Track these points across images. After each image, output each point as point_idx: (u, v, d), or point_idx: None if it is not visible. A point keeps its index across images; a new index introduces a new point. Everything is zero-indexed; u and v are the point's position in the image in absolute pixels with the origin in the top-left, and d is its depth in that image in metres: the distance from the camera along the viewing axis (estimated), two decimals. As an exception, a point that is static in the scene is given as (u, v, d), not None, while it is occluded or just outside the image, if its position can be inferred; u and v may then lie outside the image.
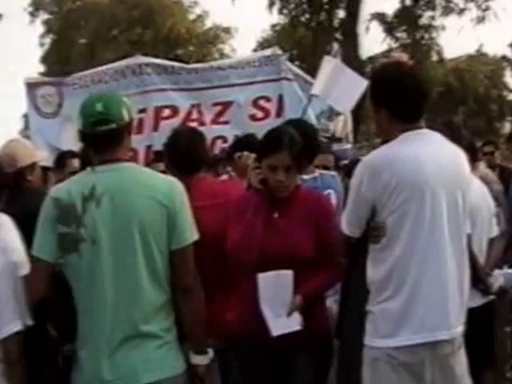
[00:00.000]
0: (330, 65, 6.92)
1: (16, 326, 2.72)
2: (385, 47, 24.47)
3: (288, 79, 7.48)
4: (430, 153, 2.84)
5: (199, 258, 2.95)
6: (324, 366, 3.33)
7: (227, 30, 34.78)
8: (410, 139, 2.83)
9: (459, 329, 2.85)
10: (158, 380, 2.77)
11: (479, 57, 30.04)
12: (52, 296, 2.86)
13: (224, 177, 5.62)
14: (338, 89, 6.58)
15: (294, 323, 3.14)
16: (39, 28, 38.44)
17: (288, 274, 3.15)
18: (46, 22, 38.18)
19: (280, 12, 21.77)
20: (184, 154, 3.68)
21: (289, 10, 21.50)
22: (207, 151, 4.13)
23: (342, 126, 8.70)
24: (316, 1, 20.66)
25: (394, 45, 23.39)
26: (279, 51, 8.04)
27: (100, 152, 2.86)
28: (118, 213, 2.76)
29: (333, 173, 4.57)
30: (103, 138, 2.81)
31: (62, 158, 5.44)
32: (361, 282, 2.93)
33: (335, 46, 8.12)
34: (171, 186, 2.92)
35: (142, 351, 2.77)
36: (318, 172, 4.08)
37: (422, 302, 2.75)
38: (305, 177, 3.84)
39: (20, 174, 3.98)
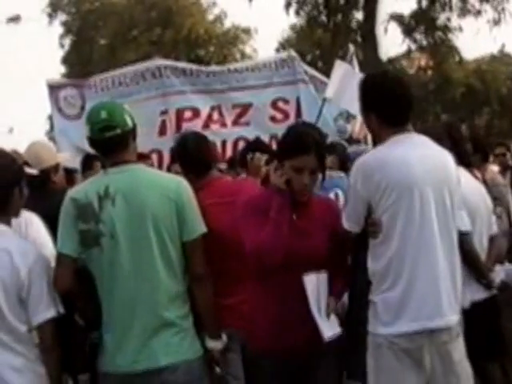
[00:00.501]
0: (341, 69, 7.13)
1: (50, 313, 2.98)
2: (404, 48, 24.63)
3: (304, 81, 7.68)
4: (417, 155, 3.06)
5: (210, 252, 3.24)
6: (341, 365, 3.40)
7: (247, 31, 34.54)
8: (398, 142, 3.06)
9: (454, 317, 3.07)
10: (175, 363, 3.04)
11: (502, 57, 29.87)
12: (78, 289, 3.13)
13: (243, 176, 5.85)
14: (349, 92, 6.64)
15: (336, 325, 3.17)
16: (58, 29, 38.58)
17: (325, 276, 3.15)
18: (64, 23, 38.17)
19: (297, 13, 21.82)
20: (193, 159, 3.91)
21: (305, 12, 21.57)
22: (214, 153, 4.37)
23: (360, 127, 8.84)
24: (332, 2, 20.69)
25: (413, 46, 23.51)
26: (294, 53, 8.21)
27: (109, 156, 3.15)
28: (131, 209, 3.04)
29: (341, 174, 4.78)
30: (110, 143, 3.10)
31: (88, 160, 5.71)
32: (364, 274, 3.17)
33: (351, 48, 8.21)
34: (178, 183, 3.20)
35: (160, 337, 3.05)
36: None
37: (416, 293, 2.97)
38: None
39: (45, 175, 4.24)
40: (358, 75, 6.93)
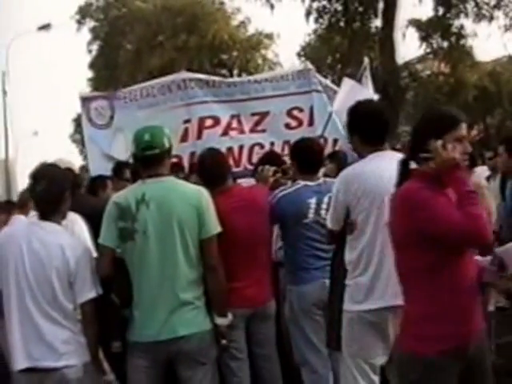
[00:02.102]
0: (348, 85, 7.63)
1: (92, 294, 3.73)
2: (420, 52, 25.04)
3: (318, 91, 8.03)
4: (389, 168, 3.68)
5: (223, 245, 4.02)
6: None
7: (269, 36, 34.65)
8: (375, 158, 3.82)
9: None
10: (190, 333, 3.83)
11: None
12: (115, 274, 3.91)
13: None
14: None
15: None
16: (86, 35, 39.06)
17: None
18: (92, 30, 38.61)
19: (316, 21, 22.26)
20: (210, 174, 4.65)
21: (324, 20, 21.96)
22: (229, 167, 5.06)
23: None
24: (351, 10, 21.14)
25: (429, 50, 23.93)
26: (310, 65, 8.62)
27: (148, 169, 3.95)
28: (161, 212, 3.83)
29: (335, 180, 5.51)
30: (149, 160, 3.92)
31: (119, 167, 6.32)
32: (342, 262, 3.93)
33: (365, 60, 8.49)
34: (199, 192, 4.01)
35: (179, 313, 3.83)
36: (322, 179, 4.93)
37: (382, 278, 3.72)
38: (311, 183, 4.81)
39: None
40: (362, 91, 7.43)
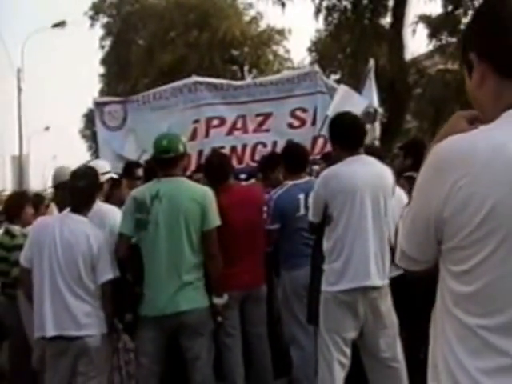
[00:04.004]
0: (342, 91, 8.19)
1: (110, 275, 4.55)
2: (428, 49, 25.55)
3: (322, 92, 8.61)
4: (362, 169, 4.50)
5: (223, 236, 4.80)
6: None
7: (281, 32, 35.13)
8: (351, 161, 4.55)
9: (380, 281, 4.51)
10: (191, 308, 4.64)
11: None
12: (131, 258, 4.72)
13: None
14: (345, 109, 7.76)
15: None
16: (99, 31, 39.81)
17: None
18: (105, 25, 39.37)
19: (325, 19, 22.82)
20: (215, 173, 5.46)
21: (334, 18, 22.51)
22: (231, 168, 5.85)
23: (368, 133, 9.92)
24: (360, 8, 21.68)
25: (437, 47, 24.38)
26: (317, 68, 9.21)
27: (164, 169, 4.77)
28: (171, 207, 4.65)
29: None
30: (166, 162, 4.75)
31: (129, 167, 6.82)
32: (321, 250, 4.70)
33: (371, 61, 8.83)
34: (204, 192, 4.83)
35: (182, 291, 4.63)
36: (307, 178, 5.77)
37: (353, 263, 4.45)
38: (298, 181, 5.62)
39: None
40: (355, 97, 8.10)
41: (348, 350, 4.61)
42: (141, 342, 4.78)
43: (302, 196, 5.54)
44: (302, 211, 5.50)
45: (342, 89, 8.40)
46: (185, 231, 4.66)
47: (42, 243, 4.55)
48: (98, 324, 4.55)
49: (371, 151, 5.05)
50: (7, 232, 5.77)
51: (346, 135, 4.70)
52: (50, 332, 4.47)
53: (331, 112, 7.99)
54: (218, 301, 4.85)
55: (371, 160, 4.70)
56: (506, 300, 1.55)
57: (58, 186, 5.85)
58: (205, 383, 4.80)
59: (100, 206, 5.02)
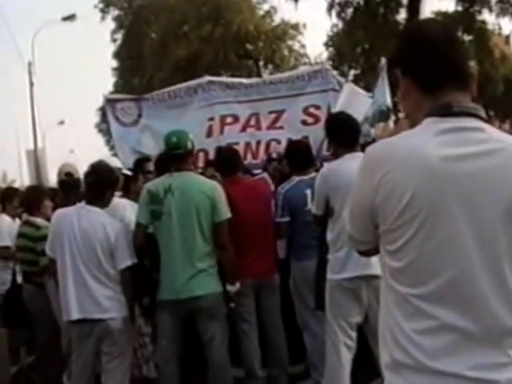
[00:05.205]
0: (348, 88, 8.46)
1: (128, 262, 4.96)
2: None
3: (335, 89, 8.78)
4: (357, 166, 4.93)
5: (234, 227, 5.22)
6: None
7: (295, 27, 35.20)
8: (347, 158, 4.93)
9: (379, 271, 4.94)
10: (205, 293, 5.05)
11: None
12: (148, 246, 5.14)
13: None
14: (352, 108, 7.45)
15: None
16: (110, 24, 40.06)
17: None
18: (116, 18, 39.62)
19: (338, 15, 23.17)
20: (226, 166, 5.89)
21: (347, 14, 22.82)
22: (241, 162, 6.27)
23: (382, 130, 10.10)
24: (373, 4, 22.04)
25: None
26: (328, 66, 9.52)
27: (174, 164, 5.19)
28: (183, 199, 5.06)
29: None
30: (176, 157, 5.17)
31: (140, 162, 7.02)
32: (325, 241, 5.10)
33: (382, 60, 8.78)
34: (214, 186, 5.24)
35: (196, 277, 5.04)
36: (313, 174, 5.94)
37: (355, 254, 4.79)
38: (304, 177, 5.98)
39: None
40: (360, 96, 8.34)
41: (354, 334, 4.99)
42: (159, 324, 5.21)
43: (308, 191, 5.86)
44: (310, 205, 5.82)
45: (348, 87, 8.64)
46: (196, 222, 5.07)
47: (62, 233, 4.98)
48: (120, 307, 4.96)
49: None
50: (31, 224, 6.16)
51: (341, 134, 5.10)
52: (75, 315, 4.90)
53: (337, 110, 8.35)
54: (230, 288, 5.25)
55: None
56: (427, 273, 1.93)
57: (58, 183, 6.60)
58: (220, 362, 5.21)
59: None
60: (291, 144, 6.69)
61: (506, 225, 1.92)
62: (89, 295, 4.89)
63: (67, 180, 6.66)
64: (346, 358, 4.98)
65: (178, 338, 5.18)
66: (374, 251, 2.23)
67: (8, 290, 6.85)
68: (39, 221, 6.11)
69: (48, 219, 5.73)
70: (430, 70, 2.03)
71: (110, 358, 5.00)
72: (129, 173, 6.58)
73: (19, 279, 6.64)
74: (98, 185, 5.12)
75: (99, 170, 5.21)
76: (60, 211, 5.26)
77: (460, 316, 1.91)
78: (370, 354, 4.95)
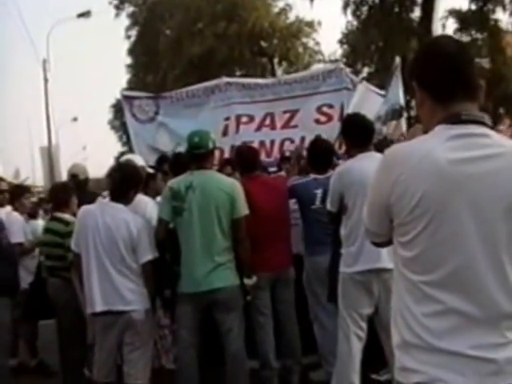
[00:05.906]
0: (362, 88, 8.68)
1: (150, 256, 5.20)
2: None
3: (348, 88, 9.07)
4: (371, 165, 4.91)
5: (252, 222, 5.46)
6: None
7: (310, 24, 35.12)
8: (361, 158, 5.19)
9: (391, 264, 5.12)
10: (223, 286, 5.30)
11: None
12: (169, 241, 5.39)
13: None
14: (366, 107, 7.82)
15: None
16: (125, 21, 40.01)
17: None
18: (131, 15, 39.51)
19: (354, 13, 23.34)
20: (245, 163, 6.15)
21: (362, 12, 23.00)
22: (259, 160, 6.54)
23: (394, 128, 10.21)
24: (387, 3, 22.21)
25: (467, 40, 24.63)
26: (342, 65, 9.75)
27: (196, 163, 5.44)
28: (203, 196, 5.31)
29: None
30: (197, 157, 5.43)
31: (162, 160, 7.27)
32: (339, 237, 5.36)
33: (397, 59, 8.89)
34: (232, 183, 5.50)
35: (215, 271, 5.29)
36: (330, 173, 6.11)
37: (366, 248, 4.99)
38: (320, 176, 6.22)
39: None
40: (374, 95, 8.57)
41: (364, 325, 5.24)
42: (180, 316, 5.46)
43: (319, 191, 6.12)
44: (318, 204, 6.12)
45: (362, 87, 8.83)
46: (216, 218, 5.31)
47: (87, 229, 5.21)
48: (142, 300, 5.19)
49: (382, 148, 5.70)
50: (60, 220, 6.35)
51: (357, 135, 5.36)
52: (99, 307, 5.13)
53: (350, 110, 8.50)
54: (247, 281, 5.49)
55: (379, 156, 5.33)
56: (434, 263, 2.21)
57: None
58: (237, 353, 5.46)
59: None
60: (314, 143, 6.83)
61: (506, 221, 2.19)
62: (112, 288, 5.11)
63: (70, 182, 7.16)
64: (357, 347, 5.22)
65: (196, 329, 5.42)
66: (387, 243, 2.53)
67: (31, 283, 7.15)
68: (68, 217, 6.29)
69: (74, 215, 5.96)
70: (443, 84, 2.32)
71: (133, 349, 5.23)
72: (150, 170, 6.83)
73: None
74: (122, 182, 5.34)
75: (125, 168, 5.49)
76: (85, 208, 5.47)
77: (463, 301, 2.18)
78: (379, 346, 5.20)
